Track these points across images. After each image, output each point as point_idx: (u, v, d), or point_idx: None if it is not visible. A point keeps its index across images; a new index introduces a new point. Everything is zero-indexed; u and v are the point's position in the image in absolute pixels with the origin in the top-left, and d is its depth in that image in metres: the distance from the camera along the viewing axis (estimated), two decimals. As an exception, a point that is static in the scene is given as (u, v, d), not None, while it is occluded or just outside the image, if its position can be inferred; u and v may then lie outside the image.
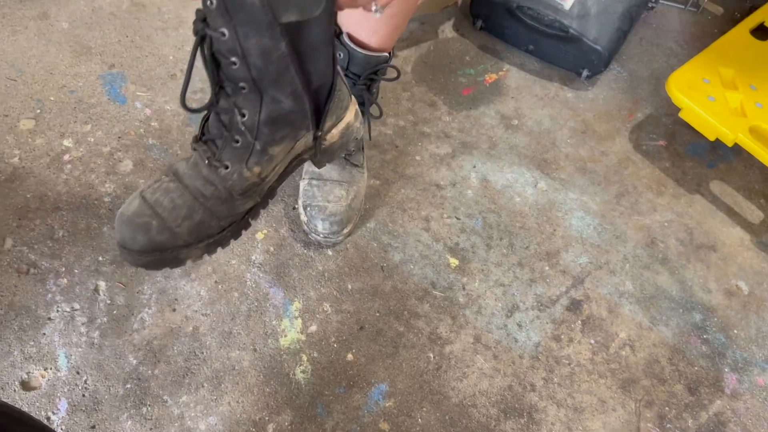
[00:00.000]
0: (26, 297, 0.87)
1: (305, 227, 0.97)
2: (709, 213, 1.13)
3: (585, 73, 1.28)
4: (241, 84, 0.60)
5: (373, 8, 0.62)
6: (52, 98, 1.07)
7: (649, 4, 1.26)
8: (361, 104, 0.96)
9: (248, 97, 0.61)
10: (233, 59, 0.58)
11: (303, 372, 0.86)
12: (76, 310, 0.87)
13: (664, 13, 1.48)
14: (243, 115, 0.62)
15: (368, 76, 0.91)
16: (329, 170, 0.98)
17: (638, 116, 1.26)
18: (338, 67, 0.70)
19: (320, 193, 0.97)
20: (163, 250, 0.64)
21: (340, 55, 0.89)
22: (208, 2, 0.55)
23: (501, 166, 1.13)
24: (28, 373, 0.82)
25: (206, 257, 0.70)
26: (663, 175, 1.17)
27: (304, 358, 0.88)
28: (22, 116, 1.04)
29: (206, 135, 0.66)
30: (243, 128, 0.63)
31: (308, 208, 0.96)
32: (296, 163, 0.76)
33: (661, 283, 1.02)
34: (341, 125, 0.78)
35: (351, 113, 0.79)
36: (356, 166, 1.00)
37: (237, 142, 0.64)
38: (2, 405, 0.41)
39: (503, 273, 1.00)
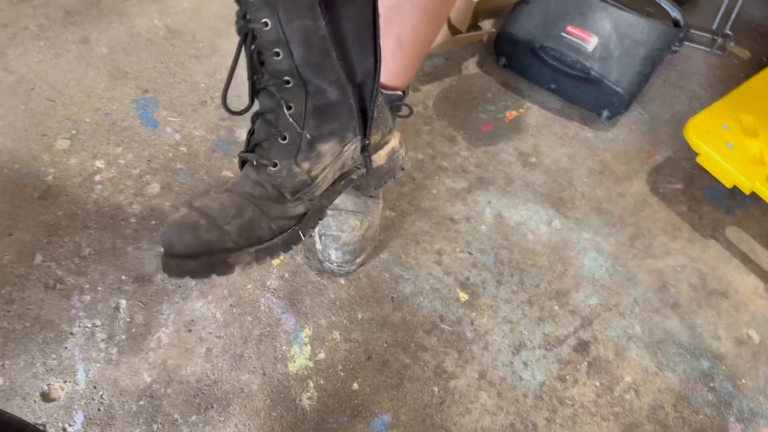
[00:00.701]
0: (52, 311, 0.91)
1: (320, 255, 1.00)
2: (723, 259, 1.13)
3: (605, 113, 1.29)
4: (286, 77, 0.62)
5: None
6: (87, 120, 1.12)
7: (673, 48, 1.27)
8: None
9: (293, 90, 0.62)
10: (276, 50, 0.59)
11: (309, 399, 0.89)
12: (97, 326, 0.91)
13: (689, 56, 1.49)
14: (290, 108, 0.63)
15: None
16: (344, 200, 1.01)
17: (657, 158, 1.27)
18: (379, 77, 0.70)
19: (335, 223, 1.00)
20: (211, 253, 0.63)
21: None
22: None
23: (516, 203, 1.14)
24: (48, 385, 0.86)
25: (254, 265, 0.68)
26: (679, 219, 1.18)
27: (311, 384, 0.90)
28: (58, 136, 1.09)
29: (254, 141, 0.67)
30: (291, 120, 0.63)
31: (323, 237, 0.99)
32: (345, 182, 0.76)
33: (671, 328, 1.03)
34: (387, 148, 0.79)
35: (396, 139, 0.81)
36: (371, 197, 1.03)
37: (284, 138, 0.65)
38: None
39: (512, 310, 1.01)
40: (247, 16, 0.59)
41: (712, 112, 1.18)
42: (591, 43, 1.25)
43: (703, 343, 1.02)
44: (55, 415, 0.83)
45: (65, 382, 0.86)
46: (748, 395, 0.97)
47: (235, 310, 0.95)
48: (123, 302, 0.93)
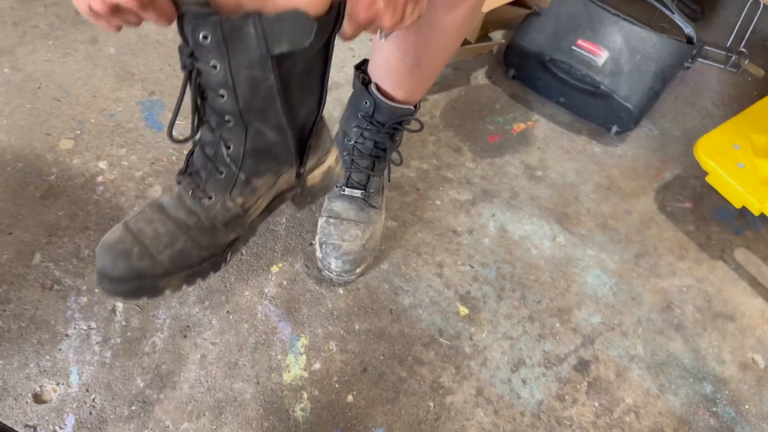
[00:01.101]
0: (48, 312, 0.91)
1: (319, 263, 1.00)
2: (730, 281, 1.11)
3: (614, 129, 1.28)
4: (227, 117, 0.62)
5: (378, 36, 0.64)
6: (92, 120, 1.12)
7: (685, 65, 1.26)
8: (383, 150, 0.98)
9: (233, 130, 0.63)
10: (222, 92, 0.59)
11: (302, 410, 0.88)
12: (92, 328, 0.90)
13: (702, 72, 1.47)
14: (228, 147, 0.64)
15: (392, 126, 0.94)
16: (347, 209, 1.00)
17: (666, 176, 1.25)
18: (322, 113, 0.71)
19: (336, 232, 0.99)
20: (142, 278, 0.64)
21: (365, 103, 0.92)
22: (200, 38, 0.56)
23: (520, 217, 1.13)
24: (41, 386, 0.85)
25: (183, 288, 0.70)
26: (686, 239, 1.16)
27: (305, 395, 0.89)
28: (63, 136, 1.09)
29: (190, 168, 0.67)
30: (228, 160, 0.64)
31: (324, 246, 0.98)
32: (278, 201, 0.77)
33: (674, 350, 1.01)
34: (323, 167, 0.79)
35: (332, 157, 0.80)
36: (374, 207, 1.02)
37: (221, 173, 0.66)
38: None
39: (512, 326, 1.00)
40: (195, 54, 0.58)
41: (723, 131, 1.16)
42: (601, 57, 1.23)
43: (707, 366, 1.00)
44: (47, 418, 0.83)
45: (58, 384, 0.85)
46: (752, 422, 0.95)
47: (231, 316, 0.94)
48: (119, 305, 0.93)
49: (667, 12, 1.30)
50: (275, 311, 0.96)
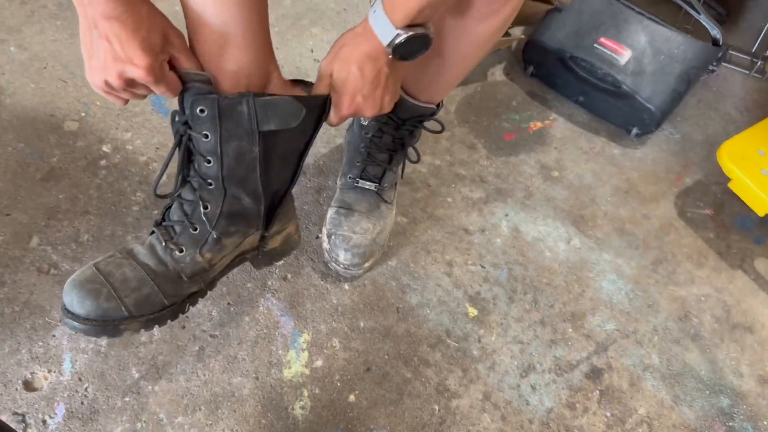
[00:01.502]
0: (43, 297, 0.88)
1: (326, 255, 0.96)
2: (750, 291, 1.07)
3: (635, 131, 1.24)
4: (210, 180, 0.68)
5: (362, 120, 0.70)
6: (98, 103, 1.09)
7: (710, 68, 1.22)
8: (401, 146, 0.95)
9: (213, 192, 0.69)
10: (209, 158, 0.66)
11: (302, 408, 0.84)
12: (88, 315, 0.87)
13: (726, 77, 1.43)
14: (206, 207, 0.70)
15: (413, 123, 0.91)
16: (359, 201, 0.97)
17: (686, 181, 1.21)
18: (295, 182, 0.78)
19: (347, 223, 0.95)
20: (106, 318, 0.68)
21: None
22: (197, 111, 0.63)
23: (534, 218, 1.09)
24: (32, 373, 0.82)
25: (142, 332, 0.74)
26: (705, 246, 1.12)
27: (305, 393, 0.86)
28: (67, 118, 1.07)
29: (166, 221, 0.72)
30: (204, 218, 0.70)
31: (332, 237, 0.95)
32: (239, 260, 0.83)
33: (690, 361, 0.97)
34: (284, 233, 0.86)
35: (293, 225, 0.88)
36: (386, 201, 0.98)
37: (195, 229, 0.71)
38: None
39: (523, 330, 0.96)
40: (189, 124, 0.64)
41: (747, 137, 1.12)
42: (624, 56, 1.19)
43: (724, 379, 0.96)
44: (36, 406, 0.80)
45: (50, 371, 0.82)
46: (770, 439, 0.91)
47: (232, 309, 0.91)
48: (117, 292, 0.90)
49: (693, 13, 1.26)
50: (278, 305, 0.93)
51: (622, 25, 1.21)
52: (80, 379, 0.82)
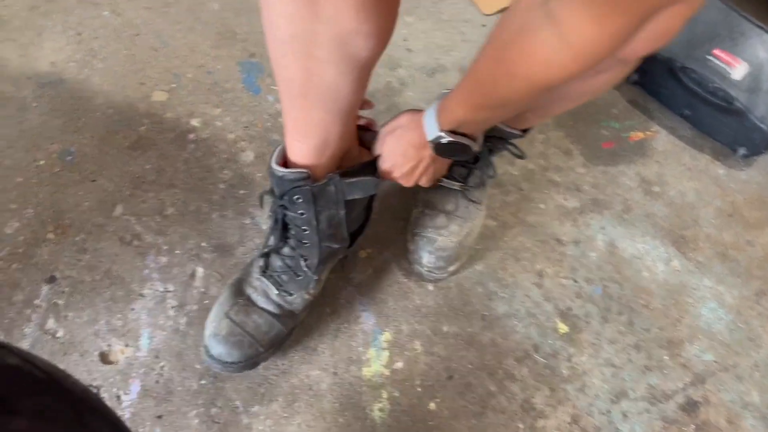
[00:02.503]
0: (123, 268, 0.86)
1: (409, 256, 0.91)
2: None
3: (742, 151, 1.15)
4: (305, 242, 0.77)
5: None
6: (189, 75, 1.07)
7: (833, 90, 1.12)
8: (489, 150, 0.90)
9: (311, 249, 0.77)
10: (305, 228, 0.75)
11: (381, 410, 0.80)
12: (169, 291, 0.85)
13: (843, 102, 1.32)
14: (306, 260, 0.78)
15: (496, 138, 0.86)
16: (445, 201, 0.92)
17: (795, 209, 1.13)
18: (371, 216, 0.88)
19: (432, 224, 0.90)
20: (248, 360, 0.77)
21: None
22: (294, 198, 0.70)
23: (633, 234, 1.02)
24: (109, 346, 0.80)
25: (271, 360, 0.82)
26: (815, 281, 1.03)
27: (385, 395, 0.81)
28: (157, 87, 1.04)
29: (270, 270, 0.80)
30: (306, 268, 0.78)
31: (417, 237, 0.90)
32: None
33: (797, 405, 0.89)
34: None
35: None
36: (474, 202, 0.93)
37: (299, 276, 0.79)
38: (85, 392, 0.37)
39: (616, 352, 0.90)
40: (286, 206, 0.72)
41: None
42: (739, 70, 1.11)
43: (835, 428, 0.88)
44: (111, 380, 0.77)
45: (127, 345, 0.80)
46: None
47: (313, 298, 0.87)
48: (200, 270, 0.87)
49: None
50: (360, 299, 0.88)
51: (738, 37, 1.13)
52: (157, 357, 0.80)
